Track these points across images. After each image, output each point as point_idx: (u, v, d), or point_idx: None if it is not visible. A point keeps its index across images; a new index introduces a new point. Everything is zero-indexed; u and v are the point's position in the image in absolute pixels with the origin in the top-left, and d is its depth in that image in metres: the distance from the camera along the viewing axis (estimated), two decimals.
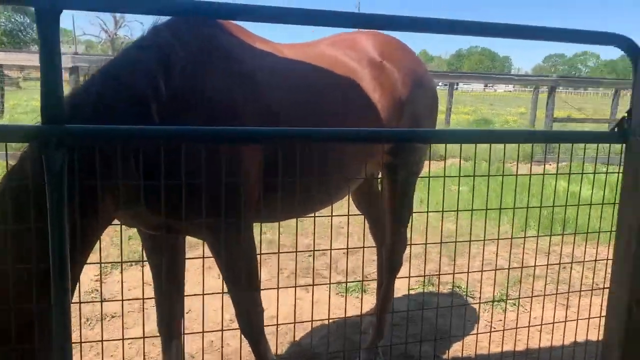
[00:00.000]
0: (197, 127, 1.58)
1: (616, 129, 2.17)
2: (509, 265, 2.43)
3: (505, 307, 3.52)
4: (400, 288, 3.82)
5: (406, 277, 3.37)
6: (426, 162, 2.77)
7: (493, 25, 1.89)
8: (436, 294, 4.08)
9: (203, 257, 1.73)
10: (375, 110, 2.47)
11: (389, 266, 3.16)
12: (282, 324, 2.12)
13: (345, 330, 3.28)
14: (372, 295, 3.87)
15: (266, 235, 5.35)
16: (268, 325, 2.25)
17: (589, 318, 2.29)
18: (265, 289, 2.06)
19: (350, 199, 3.55)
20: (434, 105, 2.97)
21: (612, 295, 2.25)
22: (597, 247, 2.45)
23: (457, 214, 1.95)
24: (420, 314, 3.27)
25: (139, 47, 1.94)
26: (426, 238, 1.99)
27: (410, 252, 2.06)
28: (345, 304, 2.00)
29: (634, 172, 2.06)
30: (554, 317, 2.54)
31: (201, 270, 3.78)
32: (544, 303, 2.44)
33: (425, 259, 2.33)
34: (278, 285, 1.81)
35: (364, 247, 1.88)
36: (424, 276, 2.45)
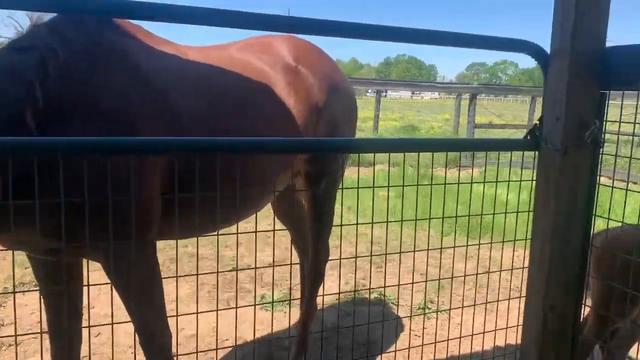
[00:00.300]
0: (54, 138, 1.39)
1: (529, 137, 2.17)
2: (426, 273, 2.38)
3: (424, 318, 3.50)
4: (325, 300, 3.73)
5: (333, 291, 3.28)
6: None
7: (406, 31, 1.84)
8: (363, 303, 4.02)
9: (89, 286, 1.53)
10: (290, 117, 2.35)
11: (311, 278, 3.05)
12: (182, 354, 1.94)
13: (268, 349, 3.13)
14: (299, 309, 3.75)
15: (187, 248, 5.11)
16: (178, 355, 2.07)
17: (506, 327, 2.28)
18: (170, 316, 1.87)
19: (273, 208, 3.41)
20: (352, 111, 2.89)
21: (528, 302, 2.25)
22: (514, 252, 2.45)
23: (372, 226, 1.86)
24: (347, 325, 3.19)
25: (13, 48, 1.71)
26: (340, 253, 1.88)
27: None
28: (255, 321, 1.86)
29: (545, 179, 2.07)
30: (473, 325, 2.52)
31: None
32: (462, 310, 2.41)
33: (339, 271, 2.23)
34: (176, 313, 1.63)
35: (273, 265, 1.75)
36: (339, 293, 2.36)
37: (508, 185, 2.23)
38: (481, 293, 4.09)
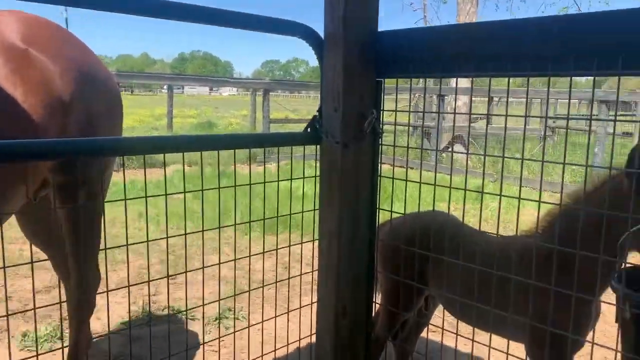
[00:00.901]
0: None
1: (309, 130, 2.01)
2: (218, 279, 2.09)
3: (205, 329, 3.23)
4: (111, 324, 3.21)
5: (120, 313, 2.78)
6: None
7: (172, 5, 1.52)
8: (153, 323, 3.58)
9: None
10: (17, 113, 1.81)
11: (78, 309, 2.52)
12: None
13: None
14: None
15: None
16: None
17: (299, 339, 2.11)
18: None
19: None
20: (114, 104, 2.42)
21: (321, 302, 2.11)
22: (302, 249, 2.30)
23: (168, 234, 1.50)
24: (133, 353, 2.77)
25: None
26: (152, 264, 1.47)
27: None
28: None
29: (328, 175, 1.92)
30: (261, 328, 2.31)
31: None
32: (248, 313, 2.18)
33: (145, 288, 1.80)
34: None
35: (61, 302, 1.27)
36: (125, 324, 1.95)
37: (291, 181, 2.06)
38: (283, 293, 3.95)
